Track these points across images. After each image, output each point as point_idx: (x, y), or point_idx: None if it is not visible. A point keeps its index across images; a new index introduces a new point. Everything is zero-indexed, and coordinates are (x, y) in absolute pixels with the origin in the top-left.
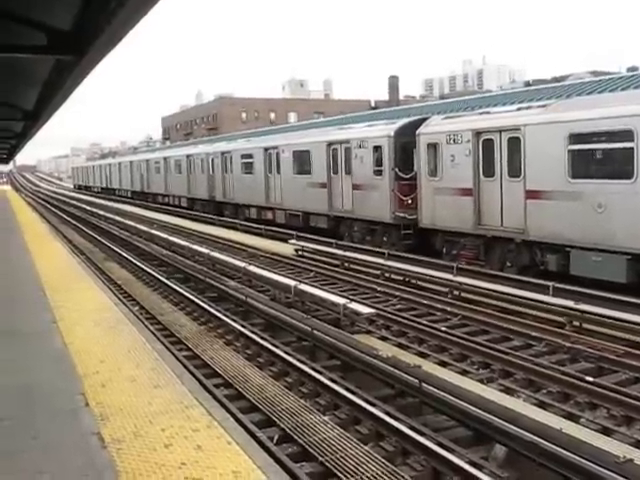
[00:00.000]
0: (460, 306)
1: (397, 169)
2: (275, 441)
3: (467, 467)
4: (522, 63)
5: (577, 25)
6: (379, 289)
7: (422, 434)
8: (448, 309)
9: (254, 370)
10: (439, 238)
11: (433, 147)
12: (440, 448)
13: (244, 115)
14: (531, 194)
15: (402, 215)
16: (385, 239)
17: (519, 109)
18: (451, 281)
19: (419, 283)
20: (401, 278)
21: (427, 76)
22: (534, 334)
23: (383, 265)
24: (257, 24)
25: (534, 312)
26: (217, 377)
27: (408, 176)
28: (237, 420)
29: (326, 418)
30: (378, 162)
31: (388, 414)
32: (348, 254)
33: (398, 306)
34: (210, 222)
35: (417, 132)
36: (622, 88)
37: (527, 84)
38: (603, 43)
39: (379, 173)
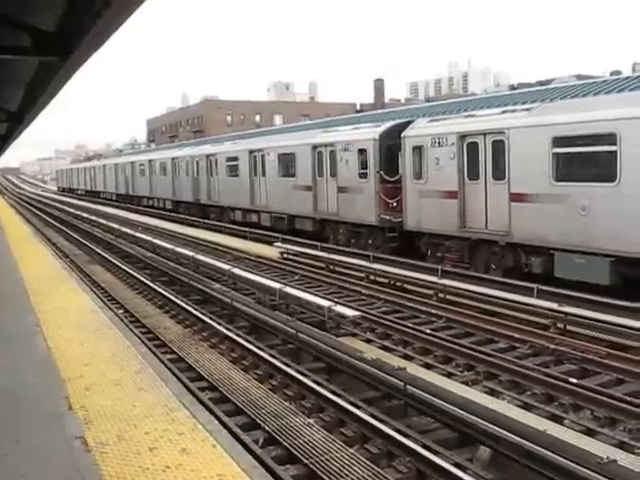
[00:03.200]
0: (445, 308)
1: (382, 172)
2: (260, 444)
3: (452, 469)
4: (507, 67)
5: (561, 29)
6: (364, 292)
7: (407, 436)
8: (433, 311)
9: (239, 373)
10: (424, 241)
11: (418, 150)
12: (425, 450)
13: (229, 118)
14: (515, 197)
15: (387, 218)
16: (370, 242)
17: (504, 112)
18: (436, 284)
19: (404, 286)
20: (386, 281)
21: (412, 79)
22: (518, 336)
23: (368, 268)
24: (243, 27)
25: (518, 314)
26: (202, 380)
27: (393, 179)
28: (222, 423)
29: (311, 421)
30: (363, 165)
31: (373, 416)
32: (333, 257)
33: (383, 309)
34: (195, 225)
35: (402, 135)
36: (606, 92)
37: (512, 87)
38: (587, 47)
39: (364, 176)
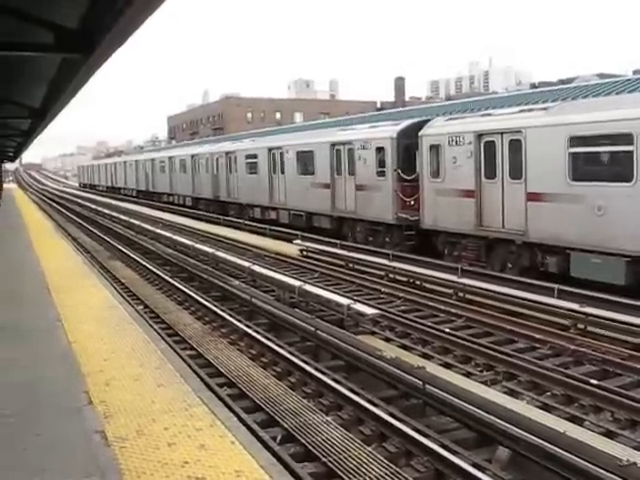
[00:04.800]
0: (464, 308)
1: (400, 170)
2: (278, 441)
3: (470, 469)
4: (528, 65)
5: (584, 27)
6: (383, 290)
7: (425, 435)
8: (452, 311)
9: (258, 370)
10: (441, 239)
11: (435, 149)
12: (443, 450)
13: (250, 115)
14: (532, 196)
15: (404, 216)
16: (387, 240)
17: (521, 111)
18: (455, 282)
19: (424, 284)
20: (405, 279)
21: (433, 77)
22: (538, 336)
23: (388, 266)
24: (263, 24)
25: (538, 314)
26: (221, 376)
27: (410, 177)
28: (240, 419)
29: (329, 418)
30: (381, 163)
31: (391, 415)
32: (353, 255)
33: (402, 307)
34: (215, 222)
35: (420, 134)
36: (628, 91)
37: (533, 86)
38: (610, 45)
39: (382, 174)
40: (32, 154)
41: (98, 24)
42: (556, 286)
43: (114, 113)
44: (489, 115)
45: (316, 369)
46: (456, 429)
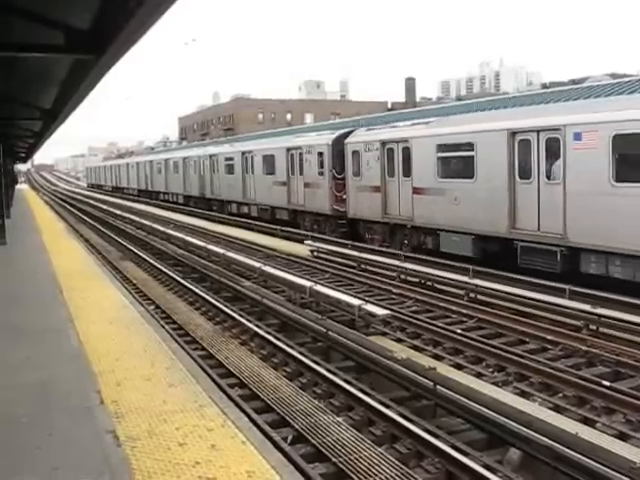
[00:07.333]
0: (476, 309)
1: (334, 170)
2: (289, 441)
3: (481, 470)
4: (540, 65)
5: (596, 26)
6: (395, 291)
7: (436, 436)
8: (464, 311)
9: (269, 370)
10: (361, 226)
11: (356, 154)
12: (454, 451)
13: (260, 116)
14: (416, 190)
15: (337, 208)
16: (327, 228)
17: (412, 124)
18: (467, 283)
19: (435, 285)
20: (417, 280)
21: (444, 78)
22: (550, 337)
23: (399, 267)
24: (274, 25)
25: (550, 315)
26: (232, 377)
27: (341, 176)
28: (251, 420)
29: (340, 419)
30: (321, 165)
31: (402, 416)
32: (364, 255)
33: (413, 308)
34: (226, 223)
35: (345, 142)
36: (473, 110)
37: (544, 86)
38: (623, 45)
39: (321, 174)
40: (44, 155)
41: (109, 25)
42: (568, 287)
43: (125, 114)
44: (394, 127)
45: (327, 370)
46: (467, 430)
